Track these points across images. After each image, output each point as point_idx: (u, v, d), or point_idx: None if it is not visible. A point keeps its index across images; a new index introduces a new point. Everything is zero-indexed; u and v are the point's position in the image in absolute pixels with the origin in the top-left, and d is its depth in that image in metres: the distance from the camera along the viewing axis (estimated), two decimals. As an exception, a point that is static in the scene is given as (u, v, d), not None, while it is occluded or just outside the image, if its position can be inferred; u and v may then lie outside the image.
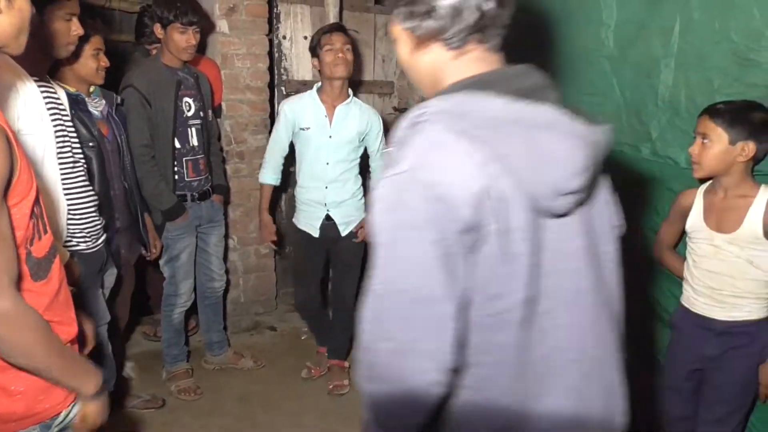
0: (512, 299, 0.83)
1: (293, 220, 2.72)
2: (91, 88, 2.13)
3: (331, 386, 2.74)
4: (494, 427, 0.88)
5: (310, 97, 2.55)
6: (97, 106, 2.13)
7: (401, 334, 0.80)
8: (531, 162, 0.81)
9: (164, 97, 2.44)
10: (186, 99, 2.55)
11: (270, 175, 2.68)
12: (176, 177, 2.54)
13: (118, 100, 2.30)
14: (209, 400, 2.71)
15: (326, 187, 2.57)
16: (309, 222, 2.64)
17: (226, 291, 3.07)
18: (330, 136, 2.53)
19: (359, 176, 2.68)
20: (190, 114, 2.56)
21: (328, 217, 2.60)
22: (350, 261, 2.71)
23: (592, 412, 0.92)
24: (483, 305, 0.83)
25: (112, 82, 2.38)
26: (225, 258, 3.03)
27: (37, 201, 1.04)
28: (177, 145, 2.53)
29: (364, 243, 2.66)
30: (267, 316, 3.51)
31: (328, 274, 2.97)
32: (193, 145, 2.59)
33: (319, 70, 2.54)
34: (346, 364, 2.84)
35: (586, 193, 0.89)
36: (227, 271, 3.06)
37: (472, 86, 0.85)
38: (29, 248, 1.01)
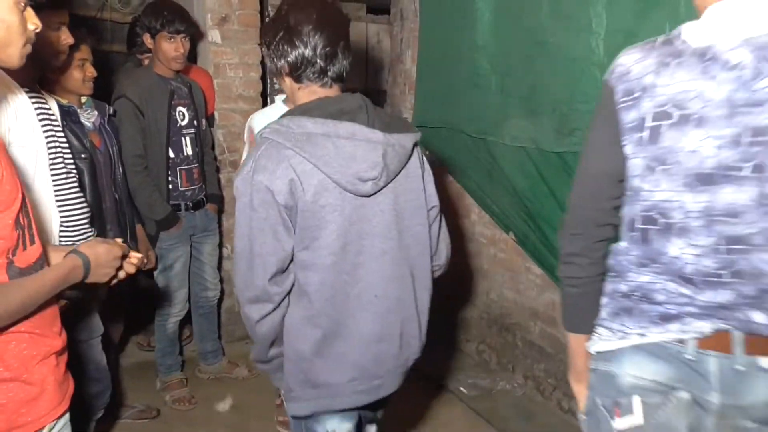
0: (324, 252, 1.29)
1: None
2: (83, 99, 2.13)
3: None
4: (315, 335, 1.34)
5: (277, 108, 2.24)
6: (89, 118, 2.12)
7: (246, 276, 1.30)
8: (338, 160, 1.24)
9: (157, 107, 2.46)
10: (180, 108, 2.57)
11: None
12: (170, 186, 2.56)
13: (110, 111, 2.29)
14: (203, 410, 2.70)
15: None
16: None
17: (220, 300, 3.07)
18: None
19: None
20: (184, 123, 2.58)
21: None
22: None
23: (392, 332, 1.40)
24: (305, 255, 1.30)
25: (105, 93, 2.38)
26: (219, 267, 3.02)
27: (23, 211, 1.04)
28: (171, 154, 2.54)
29: None
30: (236, 326, 3.50)
31: None
32: (187, 154, 2.60)
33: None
34: None
35: (385, 182, 1.31)
36: (221, 281, 3.05)
37: (297, 112, 1.29)
38: (11, 257, 1.01)
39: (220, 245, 3.02)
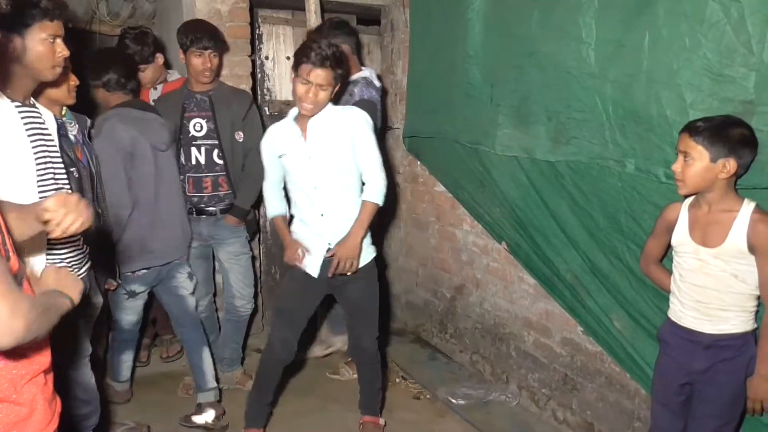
0: (147, 183, 2.42)
1: None
2: (63, 111, 2.09)
3: None
4: (136, 239, 2.39)
5: (286, 120, 2.31)
6: (71, 130, 2.08)
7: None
8: (150, 131, 2.39)
9: (170, 117, 2.67)
10: (196, 120, 2.74)
11: (276, 207, 2.43)
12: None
13: (89, 124, 2.27)
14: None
15: (322, 215, 2.26)
16: (307, 259, 2.30)
17: (253, 313, 3.10)
18: (309, 157, 2.23)
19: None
20: (200, 134, 2.75)
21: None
22: (361, 304, 2.40)
23: (177, 235, 2.59)
24: (143, 185, 2.41)
25: (87, 106, 2.37)
26: (255, 283, 3.06)
27: None
28: (182, 161, 2.74)
29: (375, 280, 2.40)
30: (254, 339, 3.47)
31: (312, 320, 2.60)
32: (197, 163, 2.76)
33: None
34: (381, 421, 2.61)
35: (167, 146, 2.47)
36: (256, 294, 3.08)
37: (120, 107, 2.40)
38: None
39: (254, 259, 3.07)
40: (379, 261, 2.51)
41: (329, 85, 2.14)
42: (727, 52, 1.63)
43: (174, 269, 2.64)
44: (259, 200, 2.77)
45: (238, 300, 2.93)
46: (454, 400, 2.89)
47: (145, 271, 2.54)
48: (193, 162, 2.76)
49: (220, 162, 2.76)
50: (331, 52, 2.11)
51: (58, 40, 1.69)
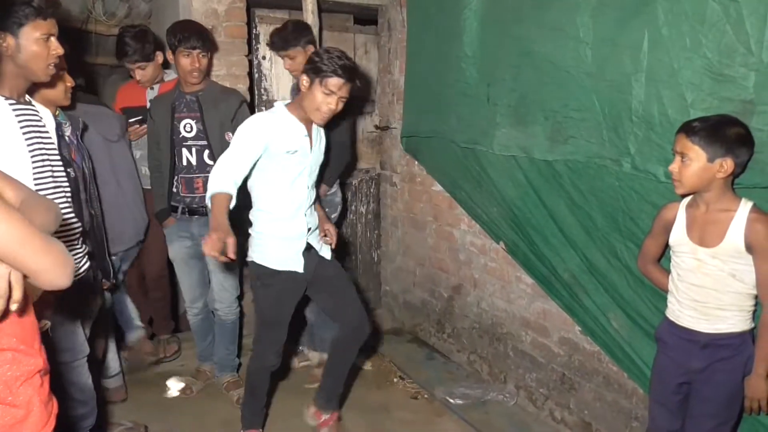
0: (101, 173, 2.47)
1: (260, 261, 2.27)
2: (57, 112, 2.08)
3: None
4: None
5: (284, 115, 2.21)
6: (65, 131, 2.07)
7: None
8: (100, 123, 2.58)
9: (161, 117, 2.72)
10: (186, 121, 2.71)
11: (229, 186, 2.08)
12: (174, 189, 2.78)
13: (82, 126, 2.27)
14: (193, 425, 2.65)
15: (305, 215, 2.30)
16: (290, 257, 2.28)
17: (242, 314, 3.05)
18: (312, 156, 2.29)
19: None
20: (190, 135, 2.72)
21: (306, 247, 2.32)
22: (342, 278, 2.44)
23: (131, 223, 2.79)
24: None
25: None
26: (240, 285, 3.00)
27: None
28: (175, 161, 2.75)
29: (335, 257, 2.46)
30: (249, 339, 3.46)
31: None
32: (188, 163, 2.74)
33: (299, 89, 2.25)
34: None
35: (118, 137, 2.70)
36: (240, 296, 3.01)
37: None
38: None
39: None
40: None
41: (348, 98, 2.19)
42: (727, 51, 1.64)
43: (126, 258, 2.88)
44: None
45: (217, 303, 2.86)
46: (451, 400, 2.89)
47: None
48: (185, 163, 2.73)
49: (211, 162, 2.68)
50: (353, 65, 2.18)
51: (52, 39, 1.67)
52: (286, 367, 2.98)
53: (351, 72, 2.13)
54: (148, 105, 2.91)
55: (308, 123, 2.24)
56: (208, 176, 2.55)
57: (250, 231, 2.31)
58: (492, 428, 2.68)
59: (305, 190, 2.29)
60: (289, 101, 2.30)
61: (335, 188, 3.04)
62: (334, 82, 2.10)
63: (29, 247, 0.94)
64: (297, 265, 2.28)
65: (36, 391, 1.09)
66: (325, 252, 2.41)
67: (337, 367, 2.50)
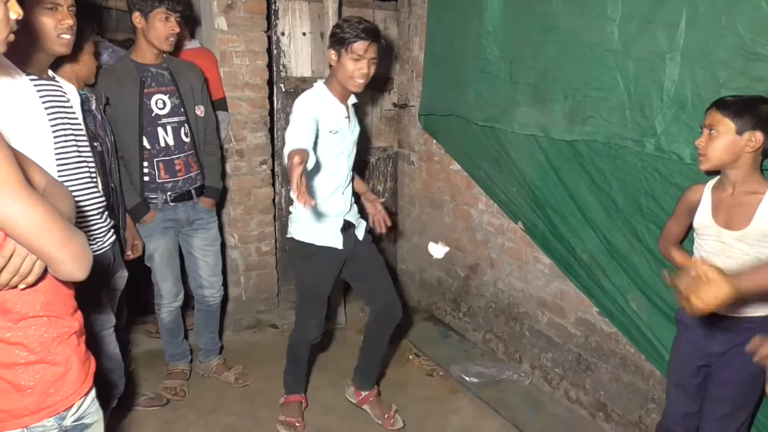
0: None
1: (300, 239, 2.32)
2: (82, 86, 2.09)
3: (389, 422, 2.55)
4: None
5: (327, 95, 2.22)
6: (91, 105, 2.09)
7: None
8: None
9: (128, 97, 2.36)
10: (158, 96, 2.43)
11: (306, 143, 1.89)
12: (146, 179, 2.46)
13: (105, 101, 2.23)
14: (213, 398, 2.71)
15: (343, 193, 2.33)
16: (329, 234, 2.31)
17: (225, 297, 3.01)
18: (352, 137, 2.33)
19: None
20: (163, 112, 2.44)
21: (345, 224, 2.35)
22: (377, 259, 2.49)
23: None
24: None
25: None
26: (224, 268, 2.93)
27: None
28: (147, 145, 2.43)
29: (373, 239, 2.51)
30: (269, 314, 3.51)
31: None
32: (166, 144, 2.46)
33: (330, 65, 2.25)
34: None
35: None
36: (225, 282, 2.95)
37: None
38: None
39: (224, 238, 2.94)
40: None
41: (377, 58, 2.20)
42: (761, 29, 1.59)
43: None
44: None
45: (207, 290, 2.74)
46: (467, 378, 2.91)
47: None
48: (162, 144, 2.45)
49: (188, 140, 2.51)
50: (374, 26, 2.18)
51: (60, 8, 1.65)
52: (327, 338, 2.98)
53: (373, 33, 2.15)
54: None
55: (346, 103, 2.28)
56: (187, 155, 2.52)
57: (290, 209, 2.38)
58: (506, 407, 2.70)
59: (345, 171, 2.32)
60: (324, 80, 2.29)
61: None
62: (360, 45, 2.12)
63: (49, 236, 0.95)
64: (336, 241, 2.32)
65: (73, 350, 1.15)
66: (359, 232, 2.43)
67: (371, 348, 2.58)
